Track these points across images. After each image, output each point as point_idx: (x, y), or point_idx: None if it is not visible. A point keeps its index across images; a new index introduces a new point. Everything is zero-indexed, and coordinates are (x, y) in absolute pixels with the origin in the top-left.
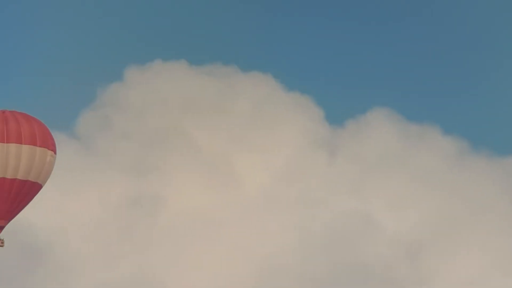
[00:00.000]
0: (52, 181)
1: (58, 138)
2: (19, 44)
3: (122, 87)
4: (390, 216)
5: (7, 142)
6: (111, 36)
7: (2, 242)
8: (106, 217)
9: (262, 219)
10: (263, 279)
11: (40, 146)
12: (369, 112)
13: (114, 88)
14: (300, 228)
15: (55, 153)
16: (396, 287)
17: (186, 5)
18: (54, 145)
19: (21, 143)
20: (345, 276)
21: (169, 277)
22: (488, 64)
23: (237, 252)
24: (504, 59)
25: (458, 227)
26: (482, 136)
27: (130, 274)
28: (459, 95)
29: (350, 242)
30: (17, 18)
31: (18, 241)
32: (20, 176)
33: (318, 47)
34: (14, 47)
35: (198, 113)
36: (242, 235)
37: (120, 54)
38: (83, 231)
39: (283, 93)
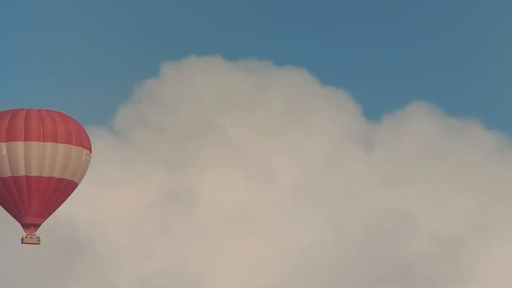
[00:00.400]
0: (90, 176)
1: (96, 133)
2: (57, 41)
3: (158, 83)
4: (429, 212)
5: (43, 141)
6: (147, 33)
7: (38, 240)
8: (143, 211)
9: (297, 214)
10: (299, 274)
11: (75, 145)
12: (407, 106)
13: (150, 83)
14: (336, 224)
15: (90, 151)
16: (435, 284)
17: (221, 0)
18: (89, 143)
19: (57, 142)
20: (382, 273)
21: (205, 271)
22: None
23: (272, 247)
24: None
25: (499, 223)
26: None
27: (167, 268)
28: (501, 89)
29: (387, 238)
30: (52, 15)
31: (56, 235)
32: (56, 174)
33: (353, 41)
34: (52, 45)
35: (233, 108)
36: (277, 231)
37: (156, 50)
38: (120, 225)
39: (318, 87)
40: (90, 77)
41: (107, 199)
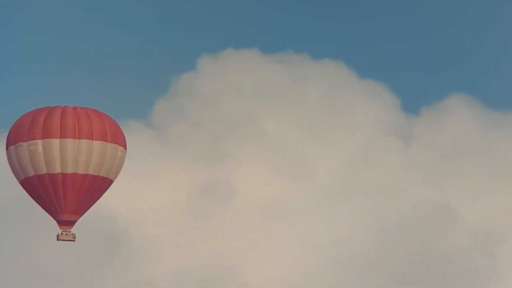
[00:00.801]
0: (128, 170)
1: (135, 127)
2: (96, 37)
3: (195, 76)
4: (468, 205)
5: (78, 138)
6: (184, 26)
7: (74, 237)
8: (180, 205)
9: (334, 208)
10: (336, 269)
11: (111, 142)
12: (446, 99)
13: (187, 77)
14: (374, 218)
15: (125, 148)
16: (474, 278)
17: None
18: (124, 141)
19: (92, 139)
20: (421, 268)
21: (242, 265)
22: None
23: (309, 241)
24: None
25: None
26: None
27: (204, 261)
28: None
29: (426, 232)
30: (88, 11)
31: (95, 229)
32: (91, 171)
33: (390, 33)
34: (90, 41)
35: (270, 101)
36: (313, 225)
37: (192, 43)
38: (158, 218)
39: (355, 80)
40: (127, 71)
41: (145, 192)
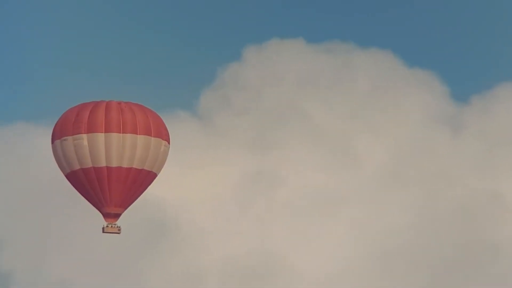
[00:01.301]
0: (175, 159)
1: (182, 117)
2: (141, 28)
3: (240, 66)
4: None
5: (123, 133)
6: (229, 17)
7: (119, 229)
8: (227, 193)
9: (383, 197)
10: (384, 258)
11: (154, 136)
12: (496, 87)
13: (233, 67)
14: (423, 207)
15: (169, 143)
16: None
17: None
18: (168, 135)
19: (136, 134)
20: (471, 257)
21: (290, 253)
22: None
23: (358, 230)
24: None
25: None
26: None
27: (252, 250)
28: None
29: (476, 221)
30: (130, 2)
31: (143, 217)
32: (135, 165)
33: (439, 21)
34: (136, 31)
35: (316, 90)
36: (363, 214)
37: (237, 34)
38: (206, 207)
39: (404, 69)
40: (173, 62)
41: (192, 182)
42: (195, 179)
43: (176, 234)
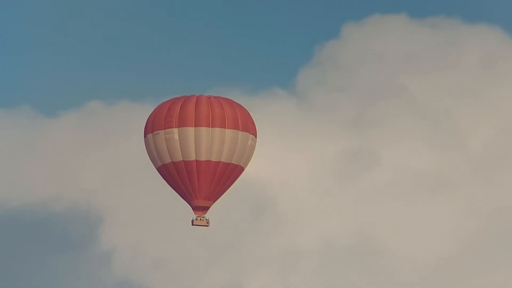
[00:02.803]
0: (273, 137)
1: (279, 94)
2: (241, 10)
3: (338, 44)
4: None
5: (212, 127)
6: None
7: (208, 222)
8: (325, 171)
9: (489, 176)
10: (491, 236)
11: (242, 130)
12: None
13: (330, 45)
14: None
15: (256, 137)
16: None
17: None
18: (254, 129)
19: (224, 128)
20: None
21: (390, 234)
22: None
23: (462, 209)
24: None
25: None
26: None
27: (350, 229)
28: None
29: None
30: None
31: (242, 194)
32: (223, 159)
33: None
34: (233, 12)
35: (419, 68)
36: (468, 193)
37: (336, 10)
38: (303, 185)
39: None
40: (271, 38)
41: (290, 159)
42: (293, 156)
43: (274, 212)
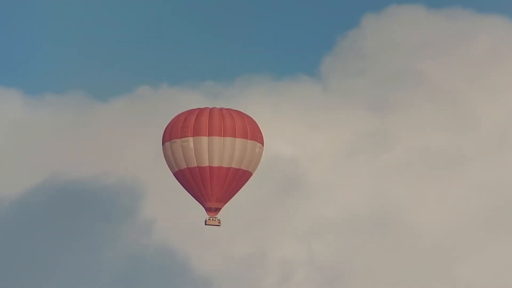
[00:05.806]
0: (298, 119)
1: (305, 79)
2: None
3: (358, 33)
4: None
5: (224, 136)
6: None
7: (219, 222)
8: (346, 149)
9: (499, 157)
10: (504, 216)
11: (250, 139)
12: None
13: (352, 34)
14: None
15: (263, 145)
16: None
17: None
18: (262, 138)
19: (235, 137)
20: None
21: (409, 210)
22: None
23: (475, 189)
24: None
25: None
26: None
27: (371, 206)
28: None
29: None
30: None
31: (269, 171)
32: (234, 165)
33: None
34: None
35: (435, 54)
36: (478, 174)
37: (357, 2)
38: (325, 163)
39: None
40: (298, 30)
41: (313, 139)
42: (317, 136)
43: (298, 188)
